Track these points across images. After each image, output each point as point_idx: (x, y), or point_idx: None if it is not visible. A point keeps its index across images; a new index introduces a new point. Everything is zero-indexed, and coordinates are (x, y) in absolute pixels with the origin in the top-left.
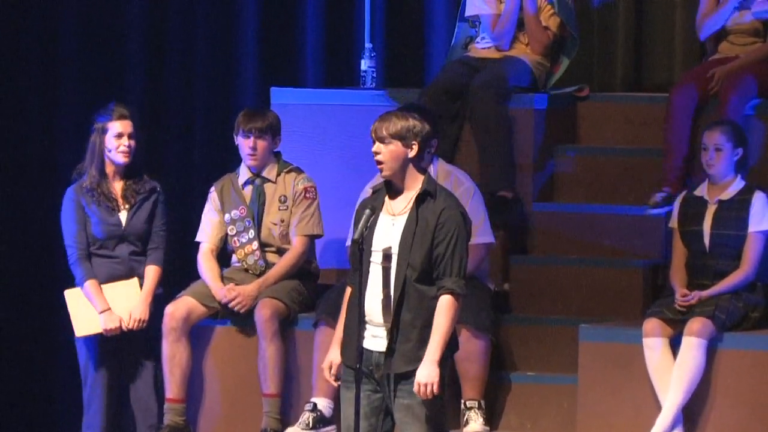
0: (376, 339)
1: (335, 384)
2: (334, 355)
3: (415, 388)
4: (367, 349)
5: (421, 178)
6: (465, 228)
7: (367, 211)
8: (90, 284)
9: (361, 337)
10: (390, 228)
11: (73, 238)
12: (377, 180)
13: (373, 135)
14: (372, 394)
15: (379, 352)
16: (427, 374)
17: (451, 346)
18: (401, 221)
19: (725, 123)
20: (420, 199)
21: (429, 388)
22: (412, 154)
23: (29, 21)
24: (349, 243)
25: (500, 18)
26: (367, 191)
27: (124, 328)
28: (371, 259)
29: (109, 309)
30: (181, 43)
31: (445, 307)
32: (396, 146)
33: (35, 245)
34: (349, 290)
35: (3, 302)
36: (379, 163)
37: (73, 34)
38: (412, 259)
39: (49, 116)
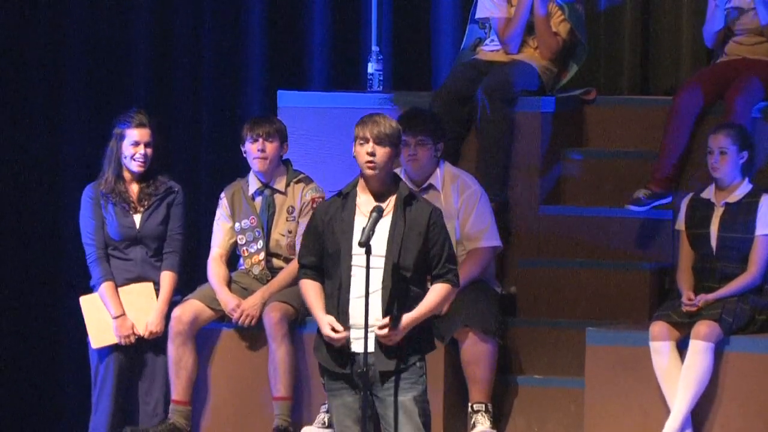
0: (359, 341)
1: (345, 335)
2: (327, 318)
3: (379, 327)
4: (353, 353)
5: (396, 180)
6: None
7: (375, 214)
8: (106, 286)
9: (347, 341)
10: None
11: (91, 236)
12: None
13: (368, 135)
14: (360, 398)
15: (365, 353)
16: (394, 333)
17: (430, 344)
18: (385, 223)
19: (730, 126)
20: (406, 202)
21: (386, 332)
22: (396, 157)
23: (36, 26)
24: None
25: (510, 21)
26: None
27: (137, 334)
28: (352, 263)
29: (124, 315)
30: (188, 46)
31: (440, 290)
32: (390, 149)
33: (41, 248)
34: (312, 283)
35: (9, 304)
36: (373, 164)
37: (80, 39)
38: (404, 260)
39: (55, 122)
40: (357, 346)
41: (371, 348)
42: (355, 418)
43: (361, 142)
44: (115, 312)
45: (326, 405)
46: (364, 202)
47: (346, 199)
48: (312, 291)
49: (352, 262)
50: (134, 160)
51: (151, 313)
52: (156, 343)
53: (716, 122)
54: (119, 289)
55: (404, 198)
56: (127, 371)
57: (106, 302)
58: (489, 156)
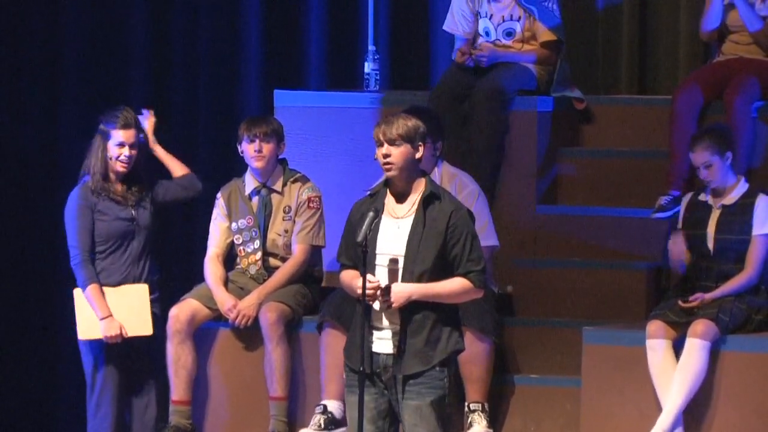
0: (382, 341)
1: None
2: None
3: (392, 298)
4: (374, 353)
5: (423, 180)
6: (473, 226)
7: (371, 214)
8: (92, 289)
9: (368, 341)
10: (395, 231)
11: (76, 238)
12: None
13: (381, 137)
14: (379, 397)
15: (387, 354)
16: (401, 290)
17: (456, 347)
18: (406, 224)
19: (704, 137)
20: (427, 201)
21: (394, 297)
22: (418, 155)
23: (33, 25)
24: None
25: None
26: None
27: (125, 335)
28: (376, 262)
29: (110, 316)
30: (184, 46)
31: (459, 281)
32: (405, 147)
33: (38, 246)
34: (348, 271)
35: (6, 303)
36: (389, 164)
37: (77, 38)
38: (422, 261)
39: (52, 121)
40: (375, 347)
41: (393, 350)
42: (370, 417)
43: (377, 144)
44: (102, 314)
45: (320, 406)
46: (391, 201)
47: (374, 198)
48: (351, 274)
49: (376, 262)
50: (119, 161)
51: (142, 316)
52: (149, 347)
53: (717, 121)
54: (114, 289)
55: (426, 197)
56: (124, 374)
57: (92, 305)
58: (480, 157)
